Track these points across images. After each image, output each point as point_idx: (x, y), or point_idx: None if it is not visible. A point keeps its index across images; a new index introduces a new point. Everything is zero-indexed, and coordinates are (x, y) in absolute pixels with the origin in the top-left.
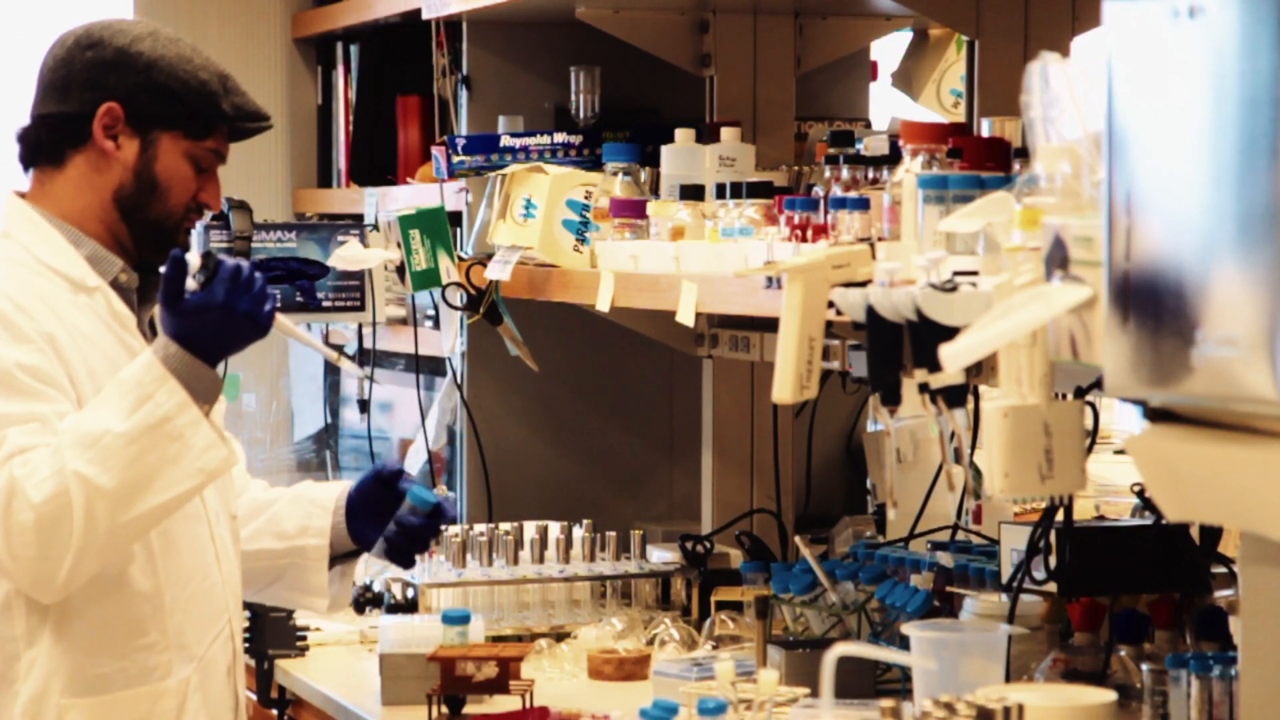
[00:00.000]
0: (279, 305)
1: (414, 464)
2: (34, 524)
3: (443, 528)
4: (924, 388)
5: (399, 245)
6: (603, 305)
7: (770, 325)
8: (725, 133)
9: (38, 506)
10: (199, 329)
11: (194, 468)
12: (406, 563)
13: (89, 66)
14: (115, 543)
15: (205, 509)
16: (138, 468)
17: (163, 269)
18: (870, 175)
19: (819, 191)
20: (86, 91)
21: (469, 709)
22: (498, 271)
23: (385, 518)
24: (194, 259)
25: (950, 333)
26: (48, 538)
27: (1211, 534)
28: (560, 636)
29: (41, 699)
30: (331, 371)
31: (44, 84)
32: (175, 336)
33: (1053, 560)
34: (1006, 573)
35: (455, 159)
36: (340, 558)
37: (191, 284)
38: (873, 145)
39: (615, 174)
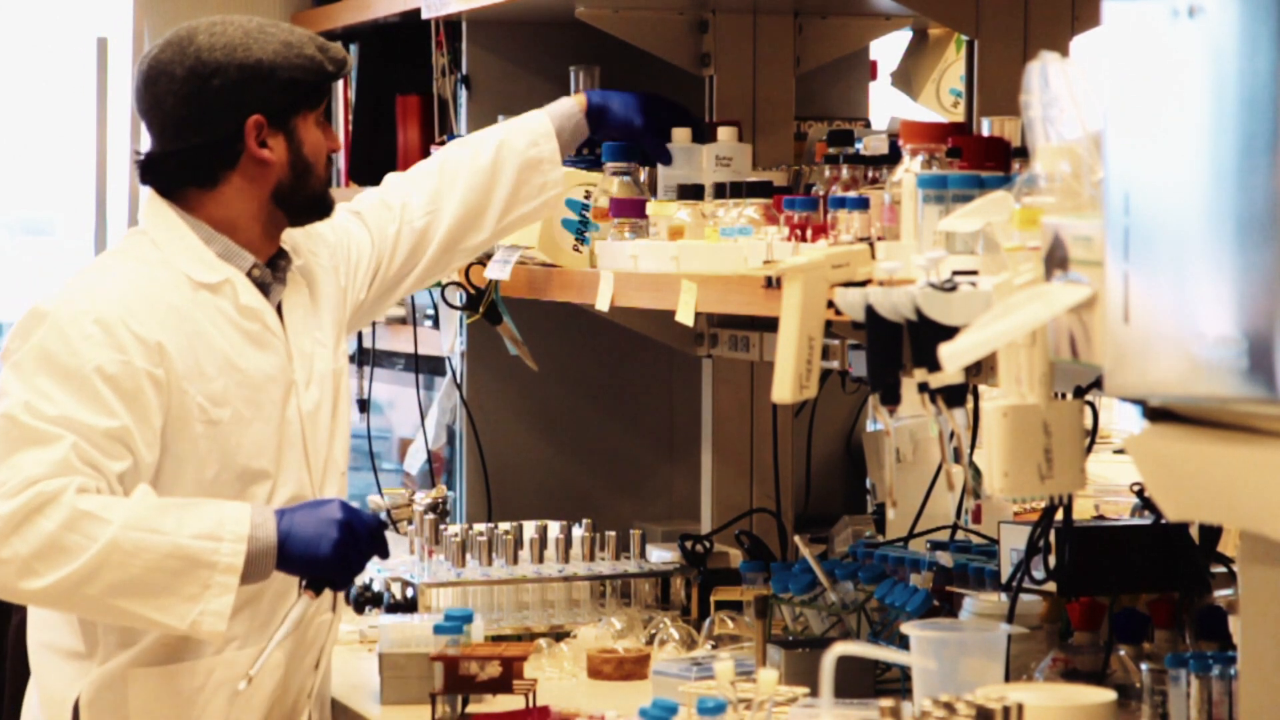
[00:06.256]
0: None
1: (414, 464)
2: (49, 536)
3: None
4: (923, 387)
5: None
6: (602, 305)
7: (770, 325)
8: (722, 132)
9: (56, 535)
10: (305, 549)
11: (191, 616)
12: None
13: (221, 93)
14: (74, 605)
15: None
16: (153, 576)
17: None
18: (870, 175)
19: (818, 191)
20: (229, 116)
21: (470, 708)
22: (497, 271)
23: None
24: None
25: (950, 332)
26: (52, 556)
27: (1211, 534)
28: (559, 636)
29: (113, 667)
30: None
31: (172, 120)
32: (283, 536)
33: (1052, 560)
34: (1006, 572)
35: None
36: None
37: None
38: (872, 145)
39: (614, 174)
